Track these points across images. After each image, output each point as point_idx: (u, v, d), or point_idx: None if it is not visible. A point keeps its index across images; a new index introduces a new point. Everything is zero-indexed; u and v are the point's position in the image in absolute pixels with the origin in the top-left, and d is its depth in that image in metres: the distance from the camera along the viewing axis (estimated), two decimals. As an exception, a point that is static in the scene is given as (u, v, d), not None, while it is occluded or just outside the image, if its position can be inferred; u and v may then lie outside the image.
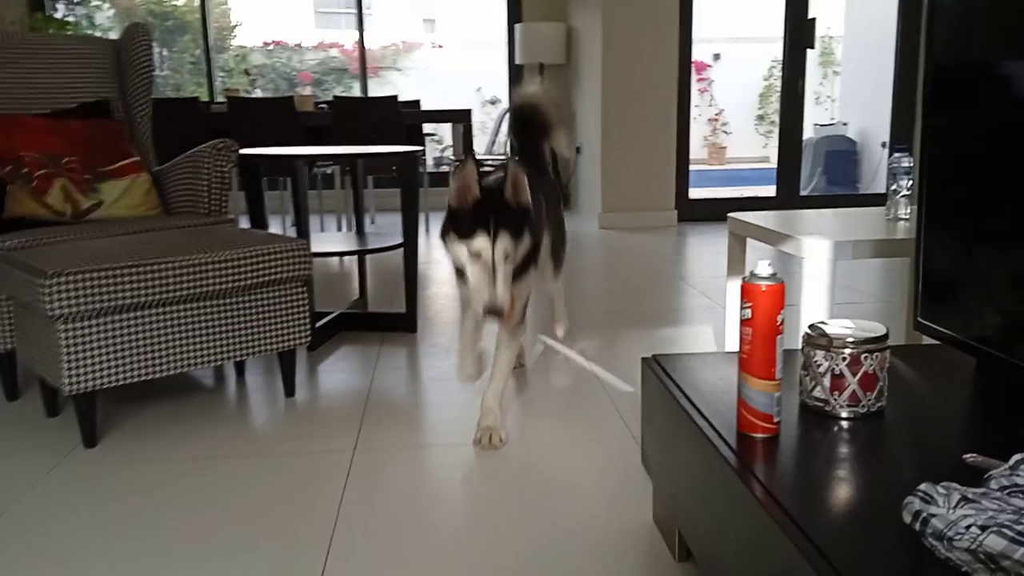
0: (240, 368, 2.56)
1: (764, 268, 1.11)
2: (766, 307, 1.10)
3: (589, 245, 5.00)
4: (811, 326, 1.24)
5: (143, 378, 2.01)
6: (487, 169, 1.80)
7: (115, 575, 1.44)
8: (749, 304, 1.12)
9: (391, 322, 3.06)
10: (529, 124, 2.37)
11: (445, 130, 7.24)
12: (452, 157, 5.68)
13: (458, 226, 1.73)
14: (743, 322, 1.13)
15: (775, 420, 1.13)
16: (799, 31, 5.61)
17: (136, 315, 1.99)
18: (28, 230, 2.39)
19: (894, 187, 2.02)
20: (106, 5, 7.61)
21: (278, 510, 1.67)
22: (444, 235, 1.78)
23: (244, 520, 1.62)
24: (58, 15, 6.39)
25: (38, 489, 1.77)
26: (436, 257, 4.59)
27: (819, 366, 1.20)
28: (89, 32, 7.03)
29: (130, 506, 1.69)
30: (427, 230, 5.48)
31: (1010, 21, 1.26)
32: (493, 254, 1.69)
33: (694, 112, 5.88)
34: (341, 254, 3.19)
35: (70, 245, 2.18)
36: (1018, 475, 0.92)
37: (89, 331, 1.92)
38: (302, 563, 1.46)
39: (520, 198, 1.74)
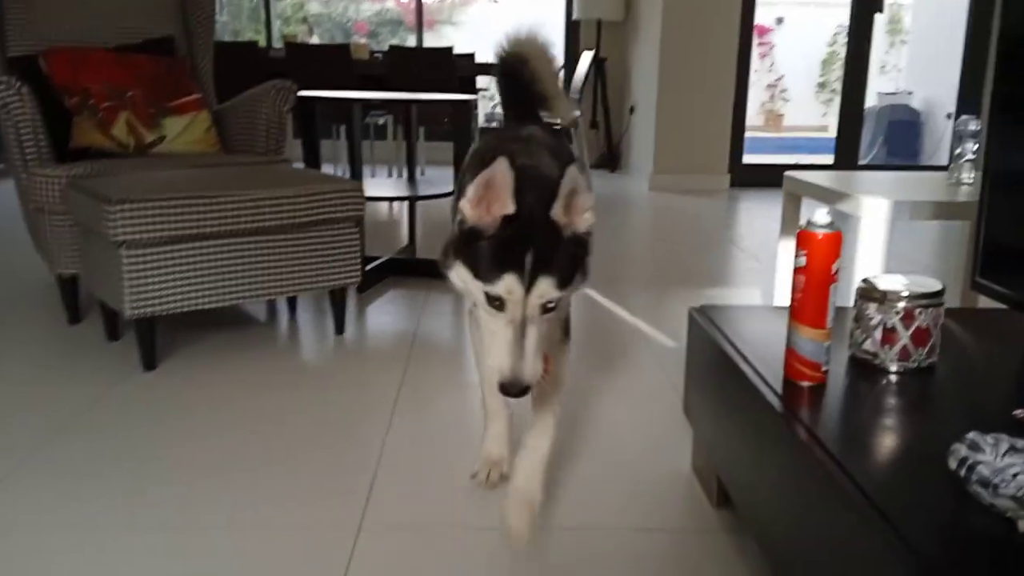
0: (292, 304, 2.62)
1: (822, 216, 1.10)
2: (821, 255, 1.10)
3: (639, 206, 4.97)
4: (865, 279, 1.23)
5: (200, 307, 2.08)
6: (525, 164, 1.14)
7: (168, 489, 1.51)
8: (804, 252, 1.11)
9: (439, 270, 3.09)
10: (520, 83, 1.59)
11: (498, 85, 7.18)
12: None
13: (474, 256, 1.09)
14: (797, 270, 1.13)
15: (823, 369, 1.14)
16: (868, -6, 5.44)
17: (196, 246, 2.04)
18: (94, 160, 2.46)
19: (959, 150, 1.97)
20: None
21: (329, 434, 1.72)
22: (446, 259, 1.16)
23: (296, 441, 1.68)
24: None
25: (99, 407, 1.85)
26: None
27: (871, 319, 1.19)
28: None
29: (187, 426, 1.77)
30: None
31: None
32: (525, 307, 1.06)
33: (753, 77, 5.76)
34: (392, 199, 3.22)
35: (135, 175, 2.25)
36: (1070, 430, 0.91)
37: (151, 258, 1.99)
38: (351, 484, 1.51)
39: (577, 220, 1.10)
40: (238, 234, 2.10)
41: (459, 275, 1.13)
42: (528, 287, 1.06)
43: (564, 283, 1.08)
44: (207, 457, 1.62)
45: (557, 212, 1.08)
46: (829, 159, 5.87)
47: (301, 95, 2.82)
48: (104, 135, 2.60)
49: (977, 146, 1.95)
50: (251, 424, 1.78)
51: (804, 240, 1.11)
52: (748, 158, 5.76)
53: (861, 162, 6.10)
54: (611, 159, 6.49)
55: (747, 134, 5.74)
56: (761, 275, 3.21)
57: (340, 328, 2.39)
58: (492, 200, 1.08)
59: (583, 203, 1.10)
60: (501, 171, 1.05)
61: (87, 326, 2.40)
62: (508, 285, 1.06)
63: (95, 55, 2.70)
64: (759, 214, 4.74)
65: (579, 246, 1.12)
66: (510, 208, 1.07)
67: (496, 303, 1.07)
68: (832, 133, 5.94)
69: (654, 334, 2.45)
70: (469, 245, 1.10)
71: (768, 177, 5.55)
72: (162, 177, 2.21)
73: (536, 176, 1.13)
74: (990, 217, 1.34)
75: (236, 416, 1.82)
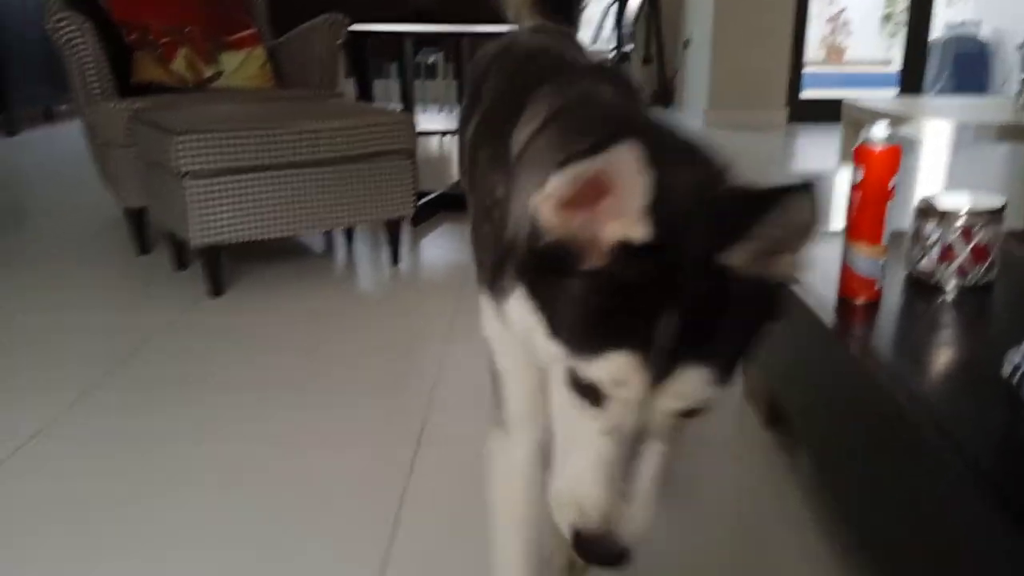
0: (349, 236, 2.67)
1: (880, 130, 1.09)
2: (879, 169, 1.09)
3: (692, 142, 4.89)
4: (924, 198, 1.22)
5: (262, 236, 2.14)
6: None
7: (239, 409, 1.59)
8: (861, 167, 1.10)
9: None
10: None
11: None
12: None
13: (554, 299, 0.58)
14: (853, 187, 1.12)
15: (877, 286, 1.14)
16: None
17: (256, 176, 2.10)
18: (155, 95, 2.52)
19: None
20: None
21: (388, 357, 1.79)
22: (493, 276, 0.73)
23: (356, 363, 1.75)
24: None
25: (171, 331, 1.94)
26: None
27: (929, 237, 1.19)
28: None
29: (253, 349, 1.84)
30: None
31: None
32: (649, 411, 0.57)
33: (814, 9, 5.56)
34: (444, 133, 3.24)
35: (196, 108, 2.30)
36: None
37: (214, 188, 2.05)
38: (410, 401, 1.57)
39: (774, 266, 0.56)
40: (296, 165, 2.14)
41: (519, 315, 0.63)
42: (660, 379, 0.55)
43: (726, 375, 0.57)
44: (273, 376, 1.70)
45: (740, 255, 0.55)
46: (893, 93, 5.67)
47: (352, 30, 2.83)
48: (164, 70, 2.65)
49: (1048, 68, 1.88)
50: (313, 347, 1.85)
51: (861, 155, 1.10)
52: (807, 93, 5.60)
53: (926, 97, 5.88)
54: (664, 95, 6.36)
55: (807, 69, 5.57)
56: (817, 209, 3.16)
57: (396, 259, 2.44)
58: (602, 203, 0.55)
59: (804, 243, 0.56)
60: (630, 160, 0.52)
61: (156, 256, 2.49)
62: (620, 370, 0.55)
63: (153, -9, 2.74)
64: (816, 150, 4.63)
65: (763, 306, 0.59)
66: (641, 230, 0.54)
67: (590, 392, 0.57)
68: (896, 68, 5.72)
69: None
70: (546, 276, 0.59)
71: (827, 112, 5.39)
72: (222, 110, 2.26)
73: (683, 160, 0.62)
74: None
75: (299, 341, 1.89)
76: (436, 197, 3.09)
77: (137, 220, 2.49)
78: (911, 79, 5.57)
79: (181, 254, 2.34)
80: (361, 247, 2.64)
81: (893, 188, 1.10)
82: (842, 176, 2.33)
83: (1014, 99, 1.97)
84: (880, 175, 1.09)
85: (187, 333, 1.92)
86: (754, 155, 4.44)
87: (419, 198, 2.90)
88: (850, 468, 1.04)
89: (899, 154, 1.09)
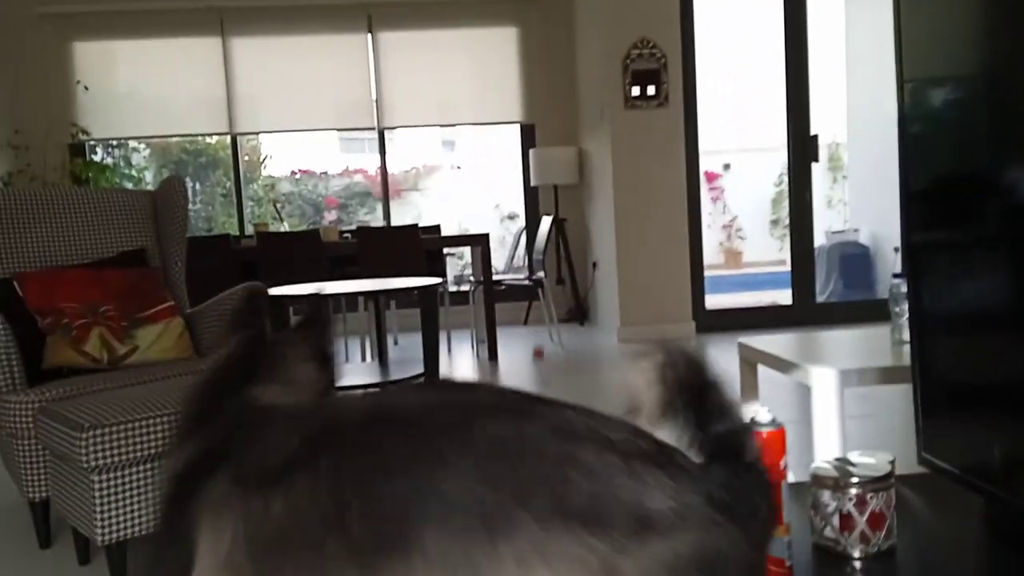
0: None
1: (763, 415, 1.16)
2: (768, 453, 1.15)
3: (609, 360, 5.05)
4: (817, 466, 1.28)
5: (174, 524, 2.06)
6: None
7: None
8: (752, 451, 1.16)
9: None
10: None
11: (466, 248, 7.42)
12: (472, 278, 5.83)
13: None
14: (748, 468, 1.17)
15: (787, 564, 1.16)
16: (802, 146, 5.80)
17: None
18: (65, 379, 2.49)
19: (896, 309, 2.08)
20: (142, 146, 8.05)
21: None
22: None
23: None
24: (97, 158, 6.78)
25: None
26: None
27: (827, 506, 1.23)
28: (126, 172, 7.42)
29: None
30: (449, 350, 5.58)
31: (976, 145, 1.35)
32: None
33: (708, 220, 6.03)
34: (363, 387, 3.27)
35: (105, 395, 2.28)
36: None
37: (122, 481, 1.99)
38: None
39: None
40: (211, 446, 2.11)
41: None
42: None
43: None
44: None
45: None
46: (789, 292, 6.04)
47: (272, 295, 2.92)
48: (77, 352, 2.65)
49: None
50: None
51: (750, 440, 1.17)
52: (711, 300, 5.93)
53: (820, 298, 6.30)
54: (580, 313, 6.64)
55: (709, 273, 5.95)
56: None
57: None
58: None
59: None
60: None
61: (59, 549, 2.35)
62: None
63: (69, 275, 2.80)
64: (723, 360, 4.83)
65: None
66: None
67: None
68: (789, 267, 6.13)
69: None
70: None
71: (731, 321, 5.72)
72: (133, 395, 2.24)
73: None
74: (925, 389, 1.41)
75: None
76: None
77: (41, 511, 2.37)
78: (802, 284, 5.99)
79: (85, 548, 2.22)
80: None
81: (784, 467, 1.16)
82: (745, 412, 2.42)
83: (891, 333, 2.14)
84: (770, 459, 1.15)
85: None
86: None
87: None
88: None
89: (784, 435, 1.16)
